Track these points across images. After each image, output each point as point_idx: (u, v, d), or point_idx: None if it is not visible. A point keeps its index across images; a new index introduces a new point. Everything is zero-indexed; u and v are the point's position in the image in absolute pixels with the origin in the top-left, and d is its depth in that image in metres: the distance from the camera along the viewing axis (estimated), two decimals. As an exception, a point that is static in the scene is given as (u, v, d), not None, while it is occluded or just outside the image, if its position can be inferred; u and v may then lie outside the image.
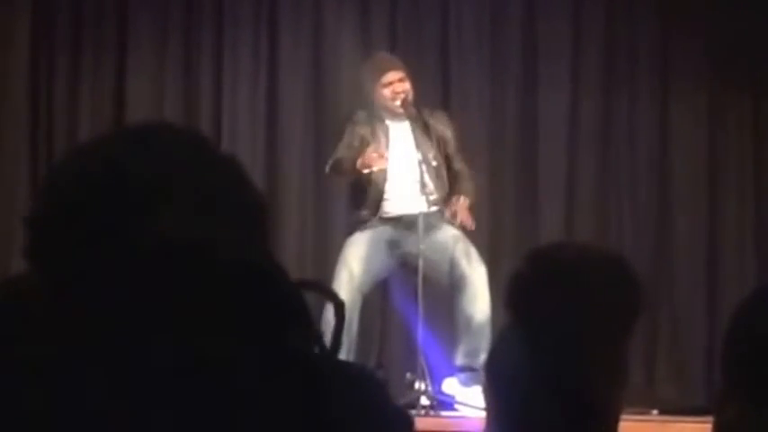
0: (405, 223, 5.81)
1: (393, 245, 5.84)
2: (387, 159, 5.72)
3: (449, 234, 5.81)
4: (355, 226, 5.92)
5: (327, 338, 1.27)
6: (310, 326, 1.21)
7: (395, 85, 5.84)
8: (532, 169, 7.17)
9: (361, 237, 5.84)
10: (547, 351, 1.72)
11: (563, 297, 1.73)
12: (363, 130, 5.85)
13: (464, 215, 5.80)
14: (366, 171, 5.70)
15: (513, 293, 1.79)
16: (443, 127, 5.96)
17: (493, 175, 7.07)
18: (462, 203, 5.82)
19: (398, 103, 5.82)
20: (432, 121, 5.93)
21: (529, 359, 1.71)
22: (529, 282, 1.77)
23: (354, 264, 5.76)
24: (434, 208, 5.78)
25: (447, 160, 5.94)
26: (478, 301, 5.65)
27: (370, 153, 5.67)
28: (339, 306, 1.27)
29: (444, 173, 5.91)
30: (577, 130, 7.21)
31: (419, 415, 5.44)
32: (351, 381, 1.24)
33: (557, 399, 1.71)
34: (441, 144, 5.90)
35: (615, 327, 1.74)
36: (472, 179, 6.01)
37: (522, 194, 7.16)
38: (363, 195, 5.88)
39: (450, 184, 5.92)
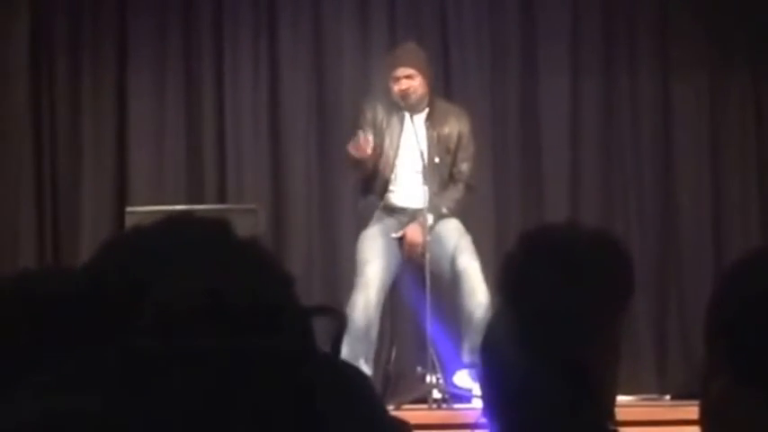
0: (409, 216, 5.83)
1: (399, 238, 5.85)
2: (371, 146, 5.71)
3: (451, 227, 5.82)
4: (363, 214, 5.93)
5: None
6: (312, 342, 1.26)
7: (400, 82, 5.88)
8: (536, 155, 7.17)
9: (374, 233, 5.85)
10: (541, 331, 1.72)
11: (555, 276, 1.73)
12: (380, 116, 5.88)
13: (411, 245, 5.76)
14: (356, 157, 5.71)
15: (506, 275, 1.79)
16: (450, 127, 5.96)
17: (496, 162, 7.08)
18: (413, 231, 5.78)
19: (400, 99, 5.85)
20: (439, 118, 5.94)
21: (523, 340, 1.72)
22: (521, 262, 1.77)
23: (374, 263, 5.76)
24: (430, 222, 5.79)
25: (453, 159, 5.95)
26: (477, 295, 5.65)
27: (359, 139, 5.68)
28: (343, 320, 1.34)
29: (447, 170, 5.91)
30: (579, 114, 7.21)
31: (431, 408, 5.46)
32: (342, 381, 1.26)
33: (553, 378, 1.72)
34: (444, 142, 5.91)
35: (608, 304, 1.74)
36: (458, 190, 5.95)
37: (527, 181, 7.17)
38: (371, 182, 5.90)
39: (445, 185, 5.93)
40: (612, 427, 1.77)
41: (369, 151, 5.68)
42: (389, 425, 1.29)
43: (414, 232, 5.77)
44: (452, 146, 5.93)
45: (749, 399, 1.24)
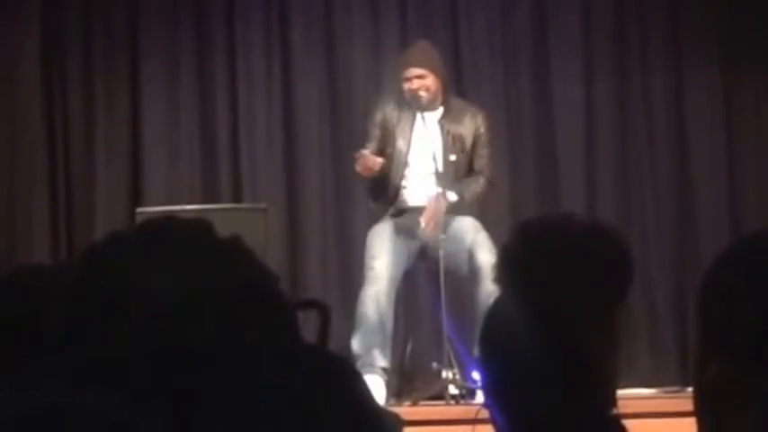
0: (421, 214, 5.81)
1: (412, 236, 5.84)
2: (378, 164, 5.70)
3: (466, 223, 5.81)
4: (375, 215, 5.94)
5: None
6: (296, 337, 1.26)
7: (411, 81, 5.88)
8: (551, 155, 7.16)
9: (383, 229, 5.85)
10: (541, 318, 1.71)
11: (552, 264, 1.73)
12: (390, 116, 5.89)
13: (427, 218, 5.71)
14: (364, 175, 5.72)
15: (504, 266, 1.79)
16: (465, 126, 5.94)
17: (512, 162, 7.07)
18: (433, 205, 5.72)
19: (411, 99, 5.85)
20: (454, 117, 5.92)
21: (523, 328, 1.71)
22: (519, 252, 1.77)
23: (383, 257, 5.76)
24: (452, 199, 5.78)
25: (469, 158, 5.93)
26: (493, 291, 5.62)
27: (364, 160, 5.68)
28: (326, 311, 1.33)
29: (462, 169, 5.90)
30: (593, 114, 7.20)
31: (449, 404, 5.44)
32: (327, 373, 1.26)
33: (554, 366, 1.71)
34: (459, 141, 5.90)
35: (605, 292, 1.74)
36: (479, 183, 5.93)
37: (542, 181, 7.16)
38: (382, 184, 5.90)
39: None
40: (614, 414, 1.76)
41: (376, 168, 5.68)
42: (377, 415, 1.28)
43: (435, 202, 5.72)
44: (468, 145, 5.92)
45: (741, 383, 1.23)
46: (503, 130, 6.99)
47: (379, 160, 5.71)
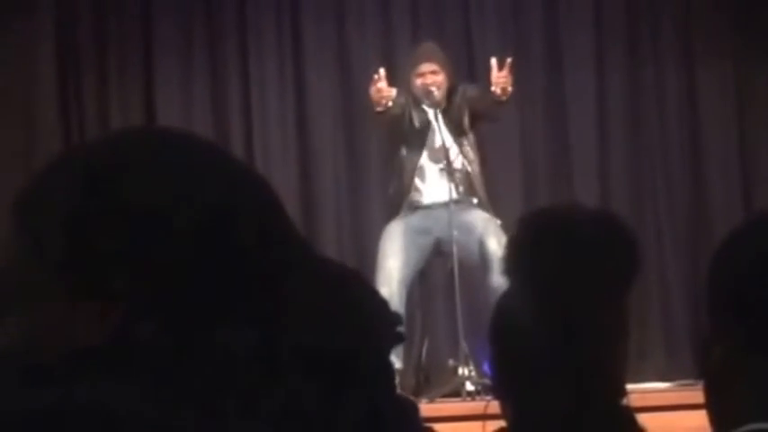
0: (435, 211, 5.82)
1: (425, 233, 5.85)
2: (390, 92, 5.75)
3: (478, 215, 5.82)
4: (393, 201, 5.96)
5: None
6: None
7: (425, 77, 5.91)
8: (564, 146, 7.16)
9: (395, 229, 5.86)
10: (548, 309, 1.72)
11: (559, 254, 1.73)
12: (396, 111, 5.89)
13: (499, 74, 5.72)
14: (380, 108, 5.75)
15: (511, 257, 1.79)
16: (469, 92, 5.95)
17: (524, 155, 7.07)
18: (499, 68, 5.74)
19: (424, 94, 5.87)
20: (463, 99, 5.93)
21: (531, 319, 1.72)
22: (526, 243, 1.77)
23: (394, 258, 5.77)
24: (461, 193, 5.80)
25: (481, 103, 5.90)
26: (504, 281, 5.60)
27: (375, 89, 5.72)
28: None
29: (477, 165, 5.91)
30: (606, 105, 7.20)
31: (465, 400, 5.45)
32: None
33: (562, 357, 1.71)
34: (472, 111, 5.90)
35: (613, 280, 1.74)
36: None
37: (555, 172, 7.15)
38: (395, 185, 5.91)
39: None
40: (623, 405, 1.77)
41: (384, 99, 5.71)
42: (396, 401, 1.26)
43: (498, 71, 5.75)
44: (477, 103, 5.90)
45: (747, 365, 1.23)
46: (515, 123, 7.00)
47: (393, 91, 5.74)
